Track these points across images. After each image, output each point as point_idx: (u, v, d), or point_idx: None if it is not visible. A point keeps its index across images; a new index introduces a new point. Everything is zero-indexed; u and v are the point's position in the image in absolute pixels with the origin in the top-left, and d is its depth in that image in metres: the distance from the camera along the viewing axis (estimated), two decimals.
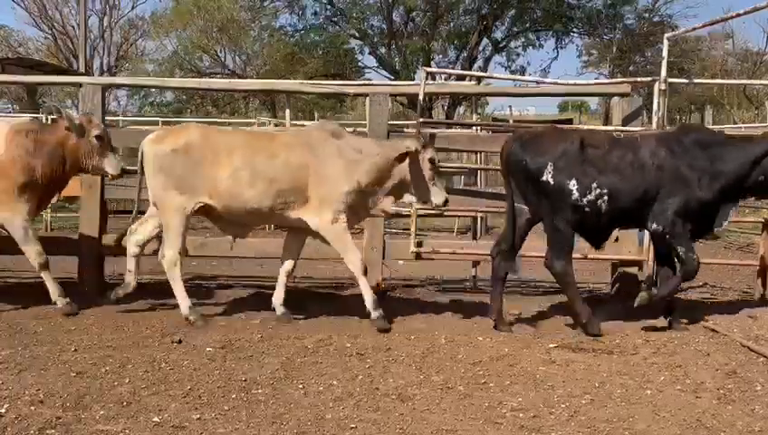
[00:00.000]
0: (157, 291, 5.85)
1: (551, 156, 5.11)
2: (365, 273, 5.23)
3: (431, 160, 5.25)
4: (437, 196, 5.30)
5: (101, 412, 3.41)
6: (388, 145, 5.39)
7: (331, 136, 5.28)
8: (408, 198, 5.40)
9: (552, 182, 5.09)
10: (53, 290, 5.50)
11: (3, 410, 3.38)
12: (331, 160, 5.17)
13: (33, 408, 3.44)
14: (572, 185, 5.07)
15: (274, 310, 5.44)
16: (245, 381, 3.91)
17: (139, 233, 5.48)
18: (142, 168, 5.30)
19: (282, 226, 5.55)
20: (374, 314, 5.14)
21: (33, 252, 5.46)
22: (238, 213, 5.23)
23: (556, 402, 3.70)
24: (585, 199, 5.08)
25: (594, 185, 5.08)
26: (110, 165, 5.62)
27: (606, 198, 5.08)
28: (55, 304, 5.48)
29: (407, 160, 5.20)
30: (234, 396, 3.68)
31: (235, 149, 5.17)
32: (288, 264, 5.51)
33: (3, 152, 5.36)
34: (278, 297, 5.46)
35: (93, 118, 5.71)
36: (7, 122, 5.68)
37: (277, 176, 5.12)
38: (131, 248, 5.49)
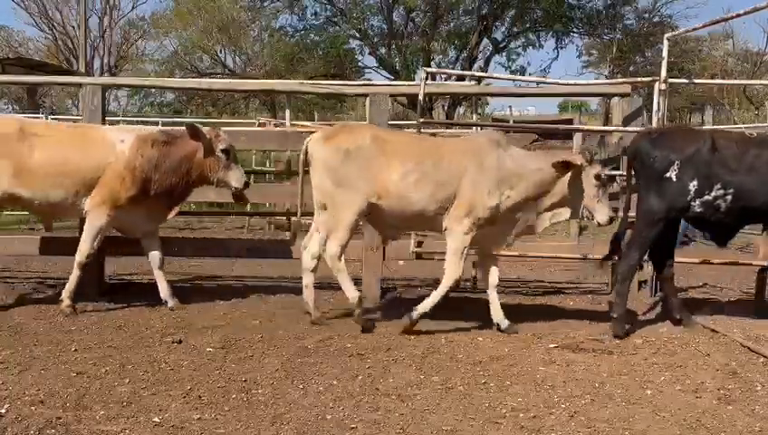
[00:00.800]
0: (157, 291, 5.83)
1: (680, 154, 5.11)
2: (451, 290, 5.15)
3: (597, 176, 5.06)
4: (602, 213, 5.11)
5: (101, 412, 3.41)
6: (551, 159, 5.18)
7: (496, 146, 5.14)
8: (567, 213, 5.24)
9: (674, 180, 5.10)
10: (70, 288, 5.48)
11: (3, 411, 3.38)
12: (488, 170, 5.04)
13: (33, 408, 3.44)
14: (693, 185, 5.08)
15: (498, 327, 5.21)
16: (245, 381, 3.91)
17: (312, 246, 5.39)
18: (305, 167, 5.23)
19: (433, 230, 5.44)
20: (414, 317, 5.03)
21: (84, 249, 5.49)
22: (402, 215, 5.14)
23: (556, 403, 3.70)
24: (702, 199, 5.10)
25: (718, 186, 5.07)
26: (235, 178, 5.66)
27: (730, 197, 5.07)
28: (61, 300, 5.47)
29: (568, 176, 5.05)
30: (234, 396, 3.68)
31: (403, 151, 5.10)
32: (494, 278, 5.33)
33: (126, 158, 5.41)
34: (497, 314, 5.27)
35: (220, 132, 5.70)
36: (132, 130, 5.71)
37: (442, 180, 5.03)
38: (308, 263, 5.39)
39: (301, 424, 3.35)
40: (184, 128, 5.62)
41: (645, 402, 3.74)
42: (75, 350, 4.43)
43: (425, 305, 5.08)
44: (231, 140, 5.69)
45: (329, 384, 3.90)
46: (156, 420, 3.35)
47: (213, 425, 3.31)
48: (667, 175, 5.10)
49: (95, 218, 5.45)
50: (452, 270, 5.12)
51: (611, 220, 5.21)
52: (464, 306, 6.01)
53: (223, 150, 5.58)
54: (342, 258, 5.16)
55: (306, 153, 5.24)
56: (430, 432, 3.31)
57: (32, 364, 4.12)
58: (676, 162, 5.09)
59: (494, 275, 5.34)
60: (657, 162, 5.14)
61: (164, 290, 5.73)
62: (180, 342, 4.66)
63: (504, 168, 5.07)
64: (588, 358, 4.55)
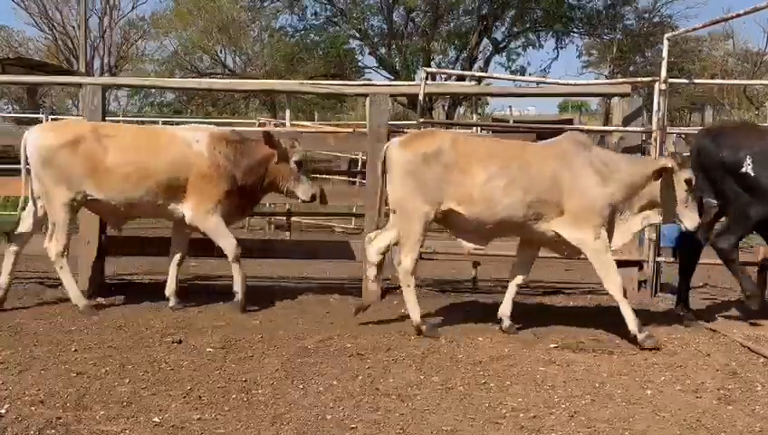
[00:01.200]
0: (157, 291, 5.84)
1: (748, 149, 5.19)
2: (624, 295, 5.00)
3: (688, 181, 4.93)
4: (690, 220, 4.98)
5: (101, 412, 3.41)
6: (641, 162, 5.15)
7: (583, 147, 5.05)
8: (654, 218, 5.12)
9: (752, 174, 5.16)
10: (243, 289, 5.61)
11: (3, 411, 3.38)
12: (584, 173, 4.94)
13: (33, 408, 3.44)
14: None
15: (500, 322, 5.21)
16: (245, 381, 3.91)
17: (379, 241, 5.27)
18: (383, 172, 5.13)
19: (525, 237, 5.34)
20: (640, 337, 4.82)
21: (229, 246, 5.58)
22: (487, 221, 5.01)
23: (556, 403, 3.70)
24: None
25: None
26: (303, 191, 5.77)
27: None
28: (238, 299, 5.60)
29: (660, 180, 4.93)
30: (234, 396, 3.68)
31: (487, 156, 5.00)
32: (519, 278, 5.33)
33: (206, 156, 5.48)
34: (505, 309, 5.26)
35: (296, 143, 5.76)
36: (205, 129, 5.76)
37: (531, 185, 4.91)
38: (373, 256, 5.27)
39: (301, 424, 3.35)
40: (256, 130, 5.68)
41: (645, 402, 3.74)
42: (75, 350, 4.43)
43: (635, 328, 4.86)
44: (305, 153, 5.76)
45: (329, 384, 3.90)
46: (156, 420, 3.35)
47: (213, 425, 3.31)
48: (743, 171, 5.17)
49: (204, 220, 5.53)
50: (612, 278, 4.93)
51: (699, 227, 5.11)
52: (464, 306, 6.02)
53: (296, 162, 5.68)
54: (414, 274, 5.06)
55: (385, 159, 5.11)
56: (430, 432, 3.31)
57: (32, 364, 4.12)
58: (748, 157, 5.16)
59: (523, 274, 5.34)
60: (727, 159, 5.21)
61: (170, 288, 5.74)
62: (180, 342, 4.66)
63: (597, 169, 4.98)
64: (588, 358, 4.54)
